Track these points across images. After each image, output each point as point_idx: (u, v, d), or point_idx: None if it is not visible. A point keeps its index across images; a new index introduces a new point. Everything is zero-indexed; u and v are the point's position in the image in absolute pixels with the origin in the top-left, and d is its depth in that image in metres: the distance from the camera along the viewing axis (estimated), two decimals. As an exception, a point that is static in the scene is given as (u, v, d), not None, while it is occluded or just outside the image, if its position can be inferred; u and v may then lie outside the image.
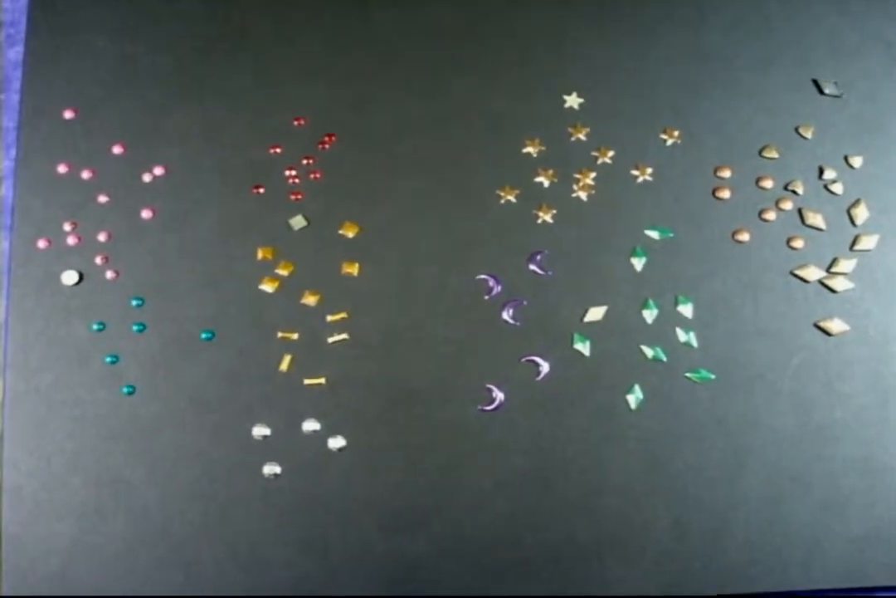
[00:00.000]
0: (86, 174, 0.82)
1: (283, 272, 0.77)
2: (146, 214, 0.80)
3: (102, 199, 0.81)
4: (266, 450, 0.74)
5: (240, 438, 0.74)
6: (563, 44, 0.82)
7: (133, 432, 0.75)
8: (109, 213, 0.80)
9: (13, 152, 0.84)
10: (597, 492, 0.73)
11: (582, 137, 0.80)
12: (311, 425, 0.74)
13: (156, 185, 0.80)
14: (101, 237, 0.79)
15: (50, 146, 0.82)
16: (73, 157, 0.81)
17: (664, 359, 0.75)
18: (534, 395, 0.75)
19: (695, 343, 0.75)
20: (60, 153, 0.81)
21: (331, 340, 0.75)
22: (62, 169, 0.82)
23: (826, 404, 0.74)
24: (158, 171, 0.80)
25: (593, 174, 0.79)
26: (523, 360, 0.75)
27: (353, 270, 0.77)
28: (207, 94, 0.81)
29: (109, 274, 0.78)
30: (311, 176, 0.79)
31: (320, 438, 0.74)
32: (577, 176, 0.79)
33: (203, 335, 0.76)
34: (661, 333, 0.76)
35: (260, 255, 0.77)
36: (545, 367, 0.75)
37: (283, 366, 0.75)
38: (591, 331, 0.76)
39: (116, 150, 0.83)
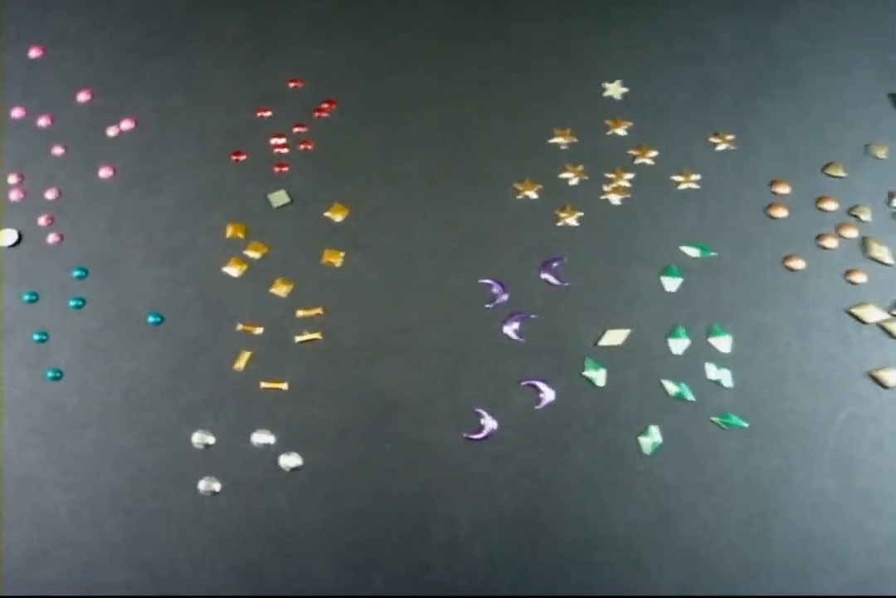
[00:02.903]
0: (43, 121, 0.76)
1: (253, 254, 0.71)
2: (105, 172, 0.74)
3: (57, 151, 0.75)
4: (206, 461, 0.66)
5: (177, 444, 0.67)
6: (609, 24, 0.76)
7: (51, 425, 0.68)
8: (63, 167, 0.74)
9: (-37, 90, 0.77)
10: (593, 544, 0.64)
11: (621, 131, 0.74)
12: (262, 437, 0.67)
13: (121, 140, 0.75)
14: (50, 195, 0.74)
15: (7, 86, 0.76)
16: (32, 101, 0.76)
17: (689, 398, 0.67)
18: (531, 426, 0.66)
19: (727, 383, 0.67)
20: (18, 95, 0.76)
21: (299, 338, 0.68)
22: (17, 113, 0.76)
23: (873, 467, 0.65)
24: (126, 125, 0.75)
25: (629, 175, 0.72)
26: (523, 383, 0.67)
27: (335, 259, 0.70)
28: (195, 43, 0.77)
29: (52, 238, 0.72)
30: (301, 146, 0.73)
31: (272, 453, 0.66)
32: (610, 176, 0.73)
33: (150, 319, 0.69)
34: (689, 367, 0.67)
35: (230, 232, 0.71)
36: (548, 394, 0.67)
37: (240, 364, 0.68)
38: (606, 357, 0.68)
39: (82, 97, 0.76)
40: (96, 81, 0.76)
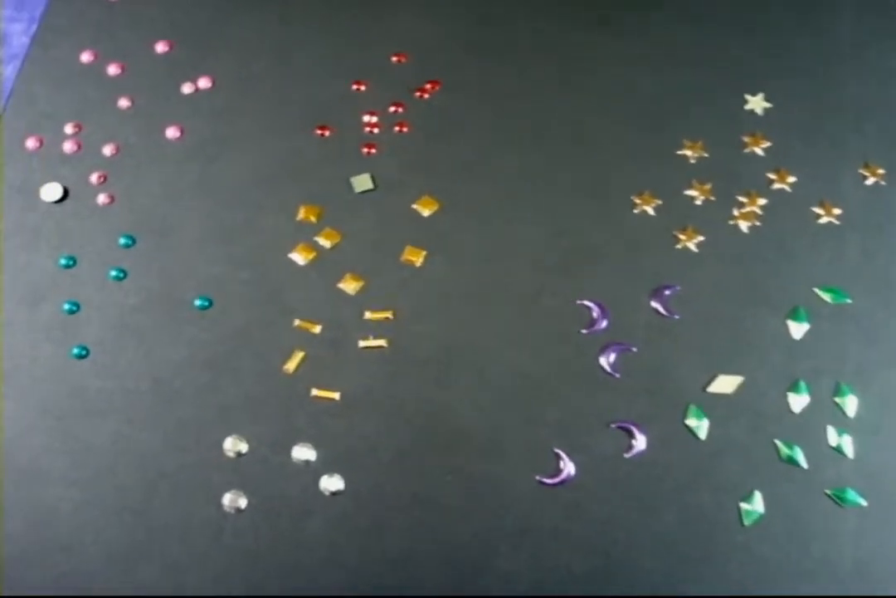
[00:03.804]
0: (113, 69, 0.73)
1: (324, 242, 0.68)
2: (172, 132, 0.71)
3: (123, 103, 0.72)
4: (235, 472, 0.63)
5: (205, 448, 0.64)
6: (759, 30, 0.74)
7: (67, 409, 0.64)
8: (126, 122, 0.72)
9: (34, 27, 0.75)
10: (673, 623, 0.60)
11: (759, 150, 0.71)
12: (303, 452, 0.63)
13: (195, 99, 0.72)
14: (107, 150, 0.71)
15: (78, 27, 0.74)
16: (104, 45, 0.74)
17: (803, 464, 0.63)
18: (616, 475, 0.63)
19: (849, 451, 0.63)
20: (89, 38, 0.74)
21: (362, 343, 0.65)
22: (86, 57, 0.73)
23: None
24: (203, 83, 0.72)
25: (763, 201, 0.69)
26: (613, 426, 0.64)
27: (416, 258, 0.68)
28: (292, 1, 0.74)
29: (102, 198, 0.69)
30: (395, 128, 0.71)
31: (311, 472, 0.63)
32: (742, 199, 0.69)
33: (196, 302, 0.66)
34: (807, 428, 0.64)
35: (301, 214, 0.69)
36: (640, 441, 0.63)
37: (290, 365, 0.65)
38: (713, 405, 0.64)
39: (160, 47, 0.74)
40: (177, 32, 0.74)
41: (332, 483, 0.62)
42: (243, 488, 0.62)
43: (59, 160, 0.70)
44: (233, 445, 0.63)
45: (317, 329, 0.66)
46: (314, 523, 0.62)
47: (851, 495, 0.62)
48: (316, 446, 0.63)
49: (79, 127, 0.70)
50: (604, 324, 0.66)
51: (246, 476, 0.63)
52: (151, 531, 0.62)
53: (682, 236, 0.68)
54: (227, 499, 0.62)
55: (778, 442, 0.63)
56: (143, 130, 0.71)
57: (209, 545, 0.61)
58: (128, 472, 0.63)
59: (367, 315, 0.66)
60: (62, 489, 0.63)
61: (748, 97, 0.72)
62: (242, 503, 0.62)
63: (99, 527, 0.62)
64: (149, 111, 0.71)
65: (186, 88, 0.71)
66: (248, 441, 0.63)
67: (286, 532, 0.62)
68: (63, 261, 0.67)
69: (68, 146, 0.70)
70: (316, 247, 0.68)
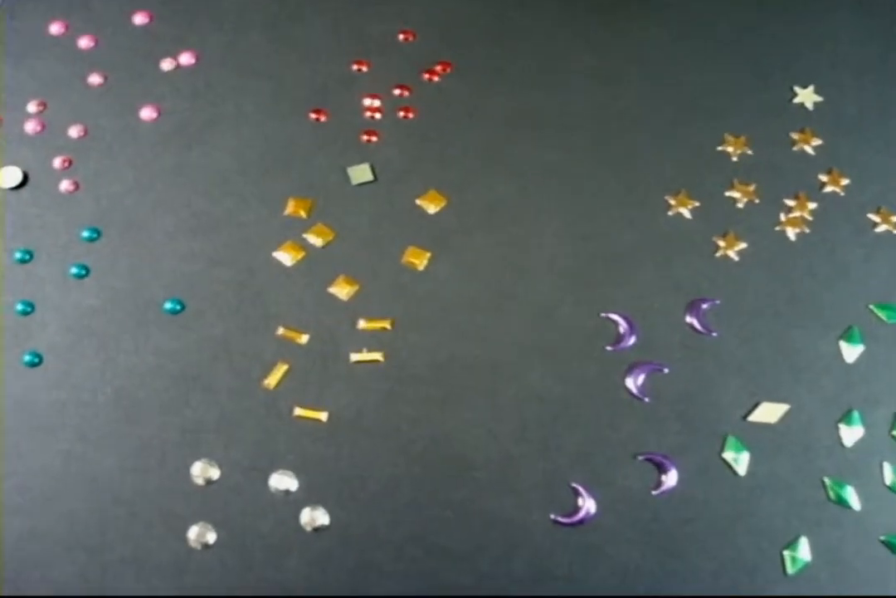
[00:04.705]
0: (84, 42, 0.70)
1: (315, 240, 0.66)
2: (147, 113, 0.68)
3: (94, 79, 0.69)
4: (203, 502, 0.60)
5: (170, 473, 0.60)
6: (810, 16, 0.71)
7: (13, 424, 0.61)
8: (97, 101, 0.68)
9: (1, -4, 0.73)
10: None
11: (808, 149, 0.68)
12: (283, 481, 0.60)
13: (174, 77, 0.69)
14: (74, 132, 0.67)
15: None
16: (77, 15, 0.71)
17: (855, 507, 0.60)
18: (643, 515, 0.60)
19: None
20: (60, 7, 0.72)
21: (356, 357, 0.63)
22: (55, 29, 0.71)
23: None
24: (185, 58, 0.69)
25: (813, 205, 0.67)
26: (640, 458, 0.61)
27: (418, 260, 0.65)
28: None
29: (65, 185, 0.66)
30: (400, 113, 0.68)
31: (292, 503, 0.60)
32: (790, 202, 0.67)
33: (167, 304, 0.63)
34: (861, 465, 0.61)
35: (290, 207, 0.66)
36: (671, 476, 0.60)
37: (271, 380, 0.62)
38: (754, 437, 0.62)
39: (138, 19, 0.71)
40: (157, 3, 0.70)
41: (314, 517, 0.59)
42: (212, 520, 0.59)
43: (20, 141, 0.67)
44: (202, 470, 0.60)
45: (303, 339, 0.63)
46: (292, 562, 0.58)
47: None
48: (298, 475, 0.60)
49: (43, 105, 0.67)
50: (632, 340, 0.63)
51: (216, 507, 0.60)
52: (105, 569, 0.58)
53: (721, 243, 0.66)
54: (193, 533, 0.59)
55: (827, 480, 0.61)
56: (114, 109, 0.68)
57: (171, 586, 0.58)
58: (79, 499, 0.60)
59: (362, 324, 0.64)
60: (2, 518, 0.59)
61: (797, 90, 0.70)
62: (211, 537, 0.59)
63: (44, 563, 0.58)
64: (122, 89, 0.68)
65: (166, 65, 0.68)
66: (220, 467, 0.61)
67: (260, 572, 0.58)
68: (18, 255, 0.63)
69: (30, 126, 0.66)
70: (305, 245, 0.66)
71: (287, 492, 0.59)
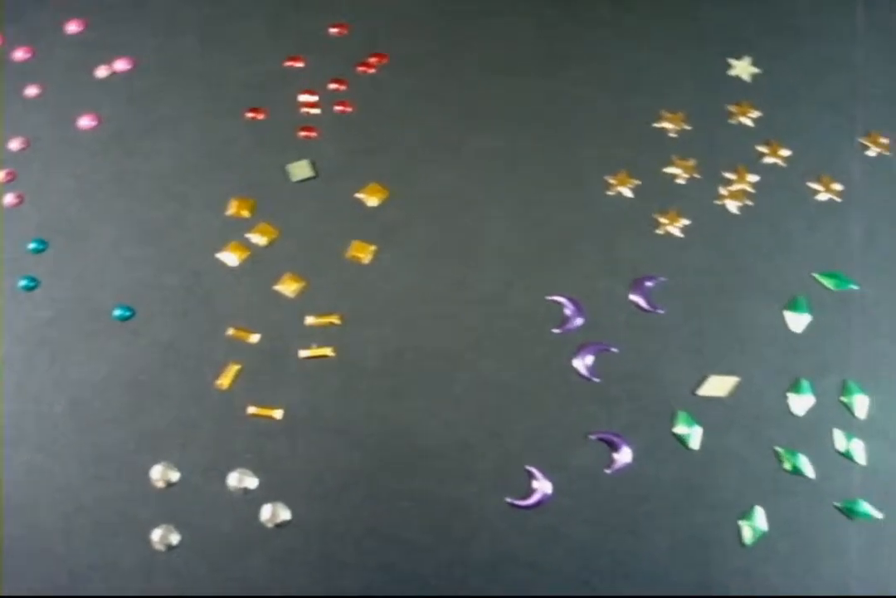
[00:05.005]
0: (20, 54, 0.71)
1: (258, 239, 0.66)
2: (86, 121, 0.68)
3: (31, 91, 0.70)
4: (165, 505, 0.61)
5: (130, 479, 0.61)
6: None
7: None
8: (35, 112, 0.69)
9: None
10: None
11: (747, 121, 0.68)
12: (242, 480, 0.61)
13: (111, 84, 0.69)
14: (13, 144, 0.69)
15: None
16: (10, 28, 0.73)
17: (808, 474, 0.61)
18: (598, 494, 0.61)
19: (860, 458, 0.61)
20: None
21: (305, 353, 0.63)
22: None
23: None
24: (120, 65, 0.70)
25: (753, 177, 0.67)
26: (593, 437, 0.62)
27: (363, 254, 0.65)
28: None
29: (9, 198, 0.67)
30: (337, 108, 0.68)
31: (252, 501, 0.60)
32: (730, 176, 0.67)
33: (117, 312, 0.64)
34: (812, 433, 0.62)
35: (232, 208, 0.66)
36: (624, 454, 0.61)
37: (224, 380, 0.63)
38: (705, 411, 0.62)
39: (72, 27, 0.71)
40: (91, 10, 0.71)
41: (275, 514, 0.60)
42: (175, 522, 0.60)
43: (-40, 157, 0.67)
44: (161, 474, 0.61)
45: (253, 339, 0.64)
46: (256, 559, 0.59)
47: (863, 506, 0.61)
48: (256, 473, 0.61)
49: (-18, 119, 0.67)
50: (578, 321, 0.63)
51: (177, 509, 0.60)
52: (73, 575, 0.59)
53: (663, 220, 0.66)
54: (156, 535, 0.60)
55: (779, 450, 0.62)
56: (54, 119, 0.68)
57: (138, 588, 0.59)
58: (43, 509, 0.60)
59: (310, 321, 0.64)
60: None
61: (732, 62, 0.70)
62: (174, 538, 0.60)
63: (12, 573, 0.59)
64: (60, 99, 0.69)
65: (101, 72, 0.68)
66: (179, 469, 0.61)
67: (225, 571, 0.59)
68: (-33, 271, 0.63)
69: (-30, 141, 0.66)
70: (249, 245, 0.66)
71: (246, 490, 0.60)
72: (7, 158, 0.67)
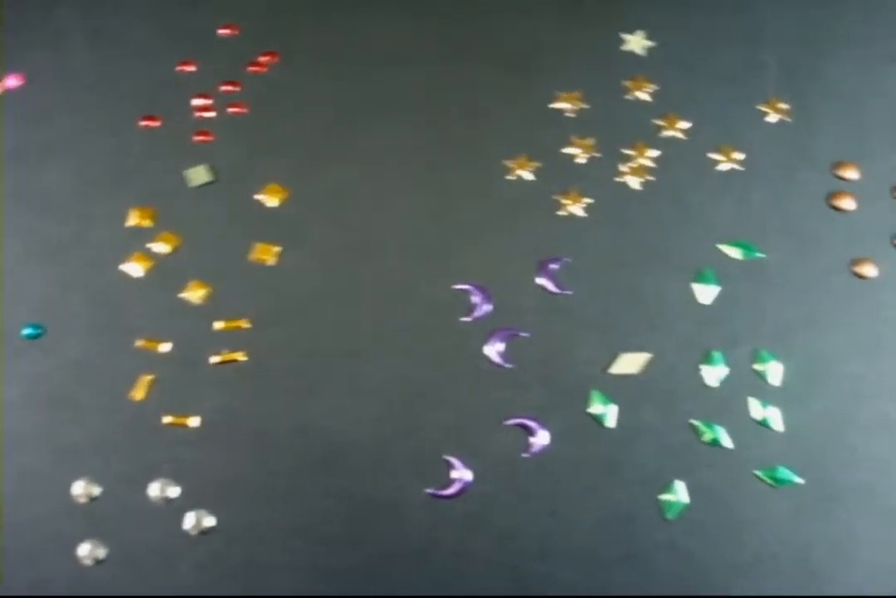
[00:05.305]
0: None
1: (161, 248, 0.66)
2: None
3: None
4: (89, 520, 0.60)
5: (52, 496, 0.60)
6: None
7: None
8: None
9: None
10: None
11: (643, 95, 0.69)
12: (164, 489, 0.61)
13: (5, 101, 0.69)
14: None
15: None
16: None
17: (726, 445, 0.61)
18: (518, 478, 0.61)
19: (777, 425, 0.62)
20: None
21: (216, 359, 0.63)
22: None
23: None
24: (10, 81, 0.69)
25: (654, 153, 0.67)
26: (509, 422, 0.62)
27: (267, 256, 0.65)
28: None
29: None
30: (231, 109, 0.68)
31: (175, 510, 0.60)
32: (629, 152, 0.68)
33: (25, 330, 0.63)
34: (728, 403, 0.62)
35: (132, 219, 0.66)
36: (541, 437, 0.61)
37: (137, 392, 0.62)
38: (619, 389, 0.63)
39: None
40: None
41: (199, 521, 0.59)
42: (100, 536, 0.60)
43: None
44: (84, 489, 0.60)
45: (163, 348, 0.63)
46: (184, 567, 0.59)
47: (784, 473, 0.61)
48: (177, 481, 0.61)
49: None
50: (487, 308, 0.63)
51: (102, 523, 0.60)
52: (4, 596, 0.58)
53: (565, 201, 0.66)
54: (83, 550, 0.59)
55: (695, 422, 0.62)
56: None
57: None
58: None
59: (218, 326, 0.64)
60: None
61: (625, 36, 0.70)
62: (101, 553, 0.59)
63: None
64: None
65: None
66: (100, 483, 0.61)
67: (154, 580, 0.59)
68: None
69: None
70: (152, 254, 0.66)
71: (168, 500, 0.60)
72: None
